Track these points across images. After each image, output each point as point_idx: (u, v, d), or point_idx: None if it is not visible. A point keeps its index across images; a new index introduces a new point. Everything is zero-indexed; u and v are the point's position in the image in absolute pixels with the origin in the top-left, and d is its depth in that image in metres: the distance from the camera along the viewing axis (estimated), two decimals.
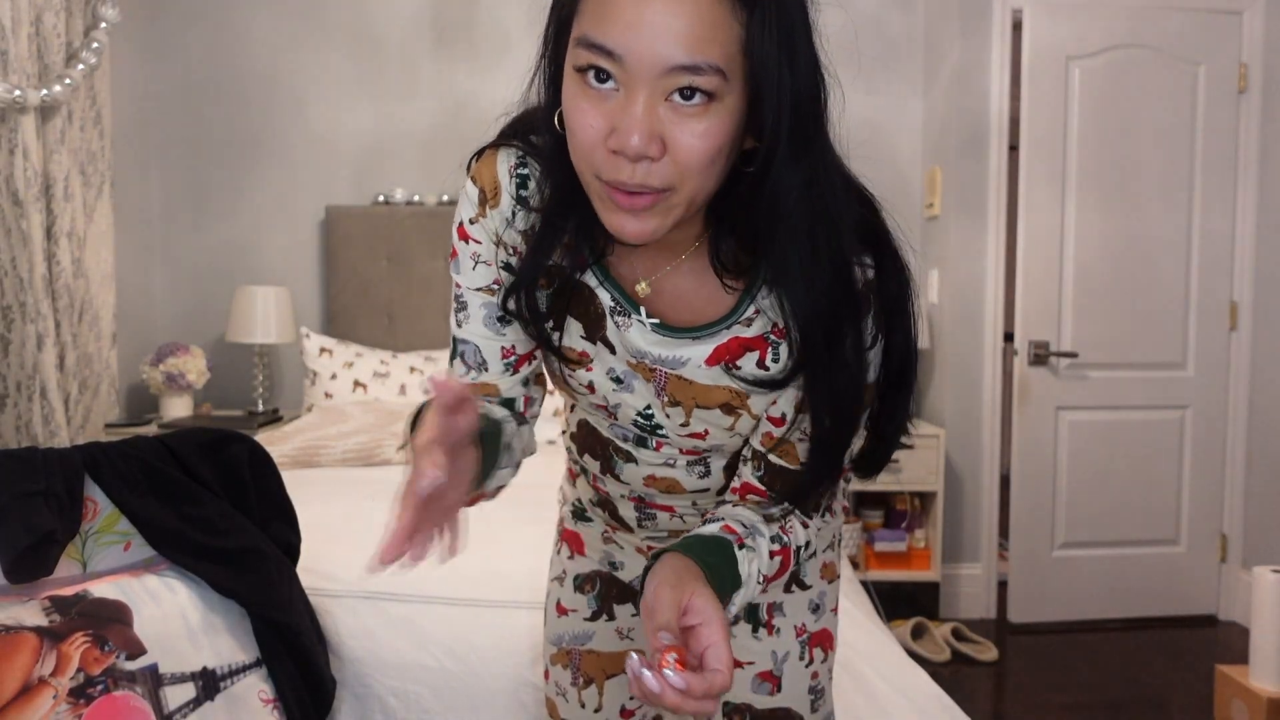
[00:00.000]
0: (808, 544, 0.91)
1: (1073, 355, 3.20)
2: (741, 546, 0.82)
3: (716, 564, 0.79)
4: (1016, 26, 3.22)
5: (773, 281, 0.80)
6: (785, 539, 0.88)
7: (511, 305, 0.86)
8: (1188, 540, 3.33)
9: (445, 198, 3.49)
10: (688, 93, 0.68)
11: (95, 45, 2.81)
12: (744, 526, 0.85)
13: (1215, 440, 3.31)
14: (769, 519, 0.88)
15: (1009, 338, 3.37)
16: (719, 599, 0.74)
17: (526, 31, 3.46)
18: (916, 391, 0.88)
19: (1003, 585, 3.37)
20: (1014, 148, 3.24)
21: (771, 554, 0.86)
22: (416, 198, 3.47)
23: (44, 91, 2.64)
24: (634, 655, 0.66)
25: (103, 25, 2.84)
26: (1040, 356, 3.19)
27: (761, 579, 0.84)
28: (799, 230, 0.75)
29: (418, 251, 3.40)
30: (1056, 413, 3.24)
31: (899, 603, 3.24)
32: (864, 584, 3.05)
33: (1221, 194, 3.25)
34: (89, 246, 2.91)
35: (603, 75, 0.70)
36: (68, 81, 2.70)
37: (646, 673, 0.65)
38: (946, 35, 3.33)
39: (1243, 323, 3.28)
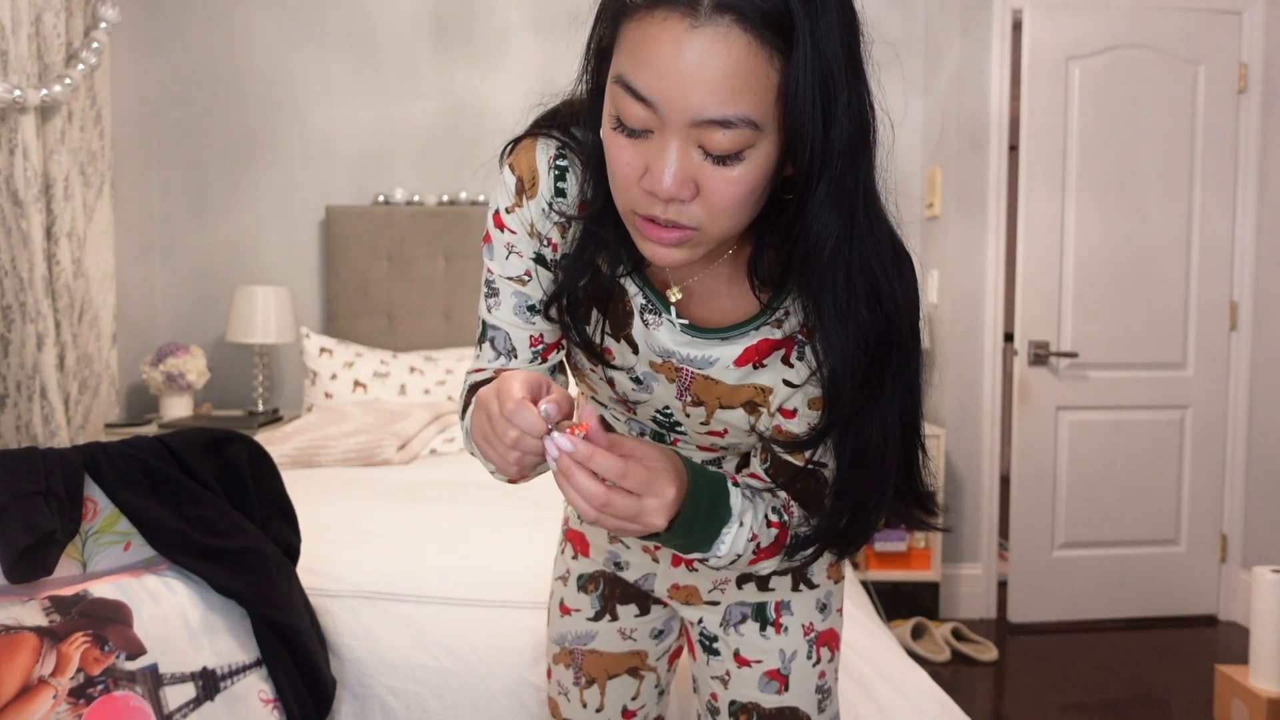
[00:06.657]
0: (806, 540, 0.90)
1: (1073, 355, 3.20)
2: (736, 485, 0.85)
3: (708, 477, 0.82)
4: (1016, 26, 3.22)
5: (808, 325, 0.81)
6: (785, 517, 0.89)
7: (554, 313, 0.88)
8: (1188, 540, 3.33)
9: (445, 197, 3.49)
10: (718, 155, 0.69)
11: (95, 45, 2.81)
12: (745, 484, 0.88)
13: (1215, 440, 3.31)
14: (773, 493, 0.90)
15: (1009, 338, 3.37)
16: (699, 510, 0.80)
17: (527, 31, 3.47)
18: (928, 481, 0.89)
19: (1003, 585, 3.37)
20: (1014, 148, 3.24)
21: (769, 522, 0.87)
22: (416, 198, 3.47)
23: (44, 91, 2.64)
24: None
25: (103, 25, 2.84)
26: (1040, 356, 3.19)
27: (753, 539, 0.85)
28: (835, 279, 0.76)
29: (418, 251, 3.40)
30: (1056, 413, 3.24)
31: (899, 603, 3.24)
32: (864, 584, 3.06)
33: (1221, 194, 3.24)
34: (89, 246, 2.91)
35: (637, 130, 0.71)
36: (68, 81, 2.70)
37: (551, 437, 0.70)
38: (946, 35, 3.33)
39: (1243, 323, 3.28)
